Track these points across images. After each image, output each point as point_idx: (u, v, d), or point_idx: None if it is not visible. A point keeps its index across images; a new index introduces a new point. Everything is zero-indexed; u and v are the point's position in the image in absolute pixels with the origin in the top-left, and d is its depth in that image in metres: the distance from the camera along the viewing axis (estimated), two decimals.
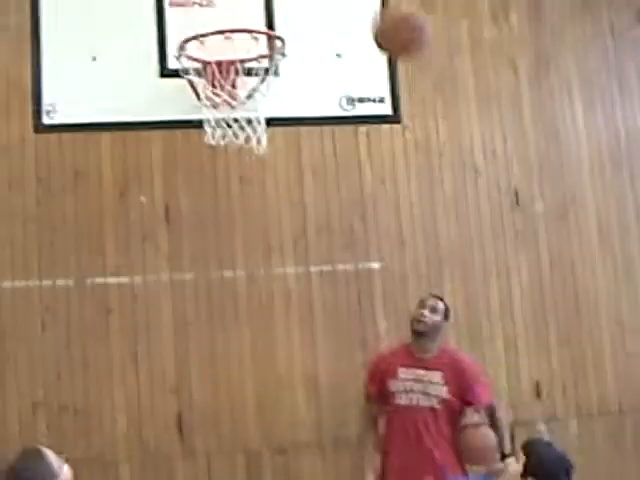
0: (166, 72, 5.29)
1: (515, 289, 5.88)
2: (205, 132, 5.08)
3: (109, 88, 5.28)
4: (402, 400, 4.43)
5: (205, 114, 5.08)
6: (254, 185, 5.65)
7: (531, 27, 6.19)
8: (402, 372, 4.48)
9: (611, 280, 6.08)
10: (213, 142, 5.08)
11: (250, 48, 5.05)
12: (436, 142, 5.92)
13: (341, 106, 5.50)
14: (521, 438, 5.52)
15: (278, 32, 5.29)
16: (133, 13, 5.37)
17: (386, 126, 5.77)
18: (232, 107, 5.08)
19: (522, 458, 3.27)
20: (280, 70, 5.27)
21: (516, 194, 5.98)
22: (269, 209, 5.65)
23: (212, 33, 4.98)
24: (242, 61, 5.07)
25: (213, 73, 5.03)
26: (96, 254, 5.42)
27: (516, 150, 6.05)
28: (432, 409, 4.43)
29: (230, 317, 5.51)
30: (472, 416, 4.68)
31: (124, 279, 5.44)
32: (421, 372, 4.45)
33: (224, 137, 5.08)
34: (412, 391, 4.44)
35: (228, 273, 5.53)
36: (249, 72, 5.16)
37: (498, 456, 4.36)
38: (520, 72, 6.13)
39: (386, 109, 5.58)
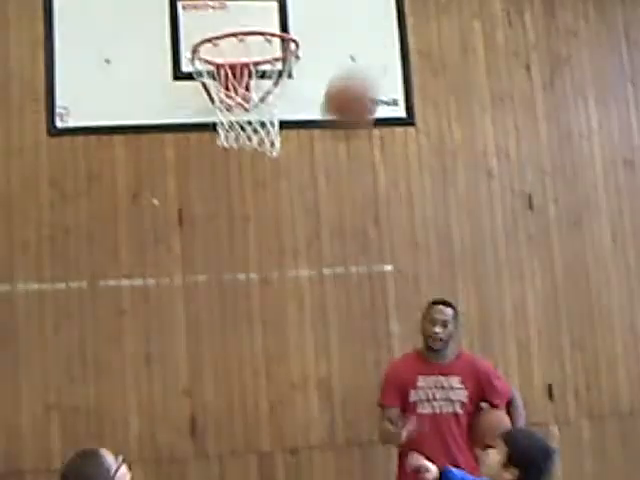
0: (179, 75, 5.26)
1: (528, 293, 5.81)
2: (218, 135, 5.03)
3: (122, 91, 5.26)
4: (425, 409, 4.36)
5: (218, 117, 5.04)
6: (267, 188, 5.59)
7: (545, 29, 6.11)
8: (421, 380, 4.40)
9: (624, 285, 6.00)
10: (226, 145, 5.04)
11: (264, 51, 5.02)
12: (450, 145, 5.85)
13: None
14: None
15: (292, 34, 5.25)
16: (146, 16, 5.34)
17: (400, 129, 5.71)
18: (245, 110, 5.05)
19: (503, 448, 3.15)
20: (294, 73, 5.25)
21: (529, 197, 5.90)
22: (282, 212, 5.59)
23: (225, 36, 4.95)
24: (255, 64, 5.03)
25: (226, 76, 5.00)
26: (109, 257, 5.36)
27: (529, 153, 5.97)
28: (455, 415, 4.38)
29: (243, 320, 5.45)
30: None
31: (137, 281, 5.38)
32: (441, 378, 4.40)
33: (237, 140, 5.04)
34: (434, 399, 4.37)
35: (241, 276, 5.47)
36: (263, 75, 5.13)
37: None
38: (534, 74, 6.05)
39: (400, 112, 5.55)
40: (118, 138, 5.42)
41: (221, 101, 5.03)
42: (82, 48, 5.26)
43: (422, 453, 4.02)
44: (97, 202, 5.40)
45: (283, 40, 5.17)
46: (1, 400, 5.16)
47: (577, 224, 5.96)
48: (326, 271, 5.56)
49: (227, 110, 5.03)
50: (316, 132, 5.57)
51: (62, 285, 5.30)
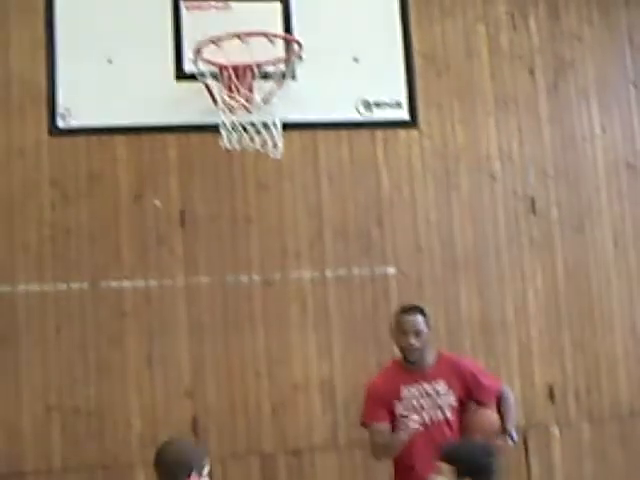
0: (182, 75, 5.21)
1: (530, 295, 5.76)
2: (221, 136, 4.97)
3: (125, 91, 5.20)
4: (414, 423, 3.97)
5: (221, 118, 4.97)
6: (270, 189, 5.52)
7: (549, 32, 6.06)
8: (405, 391, 4.12)
9: (625, 288, 5.96)
10: (229, 146, 4.98)
11: (267, 51, 4.96)
12: (453, 147, 5.79)
13: (358, 111, 5.39)
14: (533, 440, 5.50)
15: (295, 36, 5.19)
16: (149, 16, 5.29)
17: (403, 131, 5.66)
18: (248, 111, 4.99)
19: (449, 468, 3.17)
20: (297, 74, 5.19)
21: (532, 201, 5.85)
22: (285, 213, 5.52)
23: (228, 36, 4.87)
24: (258, 65, 4.98)
25: (229, 77, 4.94)
26: (111, 257, 5.30)
27: (533, 156, 5.91)
28: (446, 421, 4.13)
29: (245, 321, 5.39)
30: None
31: (139, 283, 5.31)
32: (425, 385, 4.13)
33: (240, 141, 4.97)
34: (422, 408, 4.10)
35: (244, 277, 5.41)
36: (266, 76, 5.08)
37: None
38: (537, 77, 6.00)
39: (403, 114, 5.51)
40: (120, 138, 5.35)
41: (224, 102, 4.97)
42: (84, 48, 5.20)
43: (417, 465, 4.01)
44: (99, 203, 5.33)
45: (286, 41, 5.12)
46: (2, 401, 5.09)
47: (579, 227, 5.92)
48: (328, 273, 5.50)
49: (230, 111, 4.98)
50: (319, 133, 5.52)
51: (63, 286, 5.23)
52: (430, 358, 4.19)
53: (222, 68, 4.93)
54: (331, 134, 5.54)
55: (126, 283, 5.29)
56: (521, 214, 5.82)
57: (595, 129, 6.04)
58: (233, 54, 4.88)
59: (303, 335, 5.43)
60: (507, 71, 5.94)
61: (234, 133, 4.95)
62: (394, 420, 4.06)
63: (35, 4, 5.27)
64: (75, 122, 5.17)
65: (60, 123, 5.17)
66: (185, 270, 5.34)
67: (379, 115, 5.42)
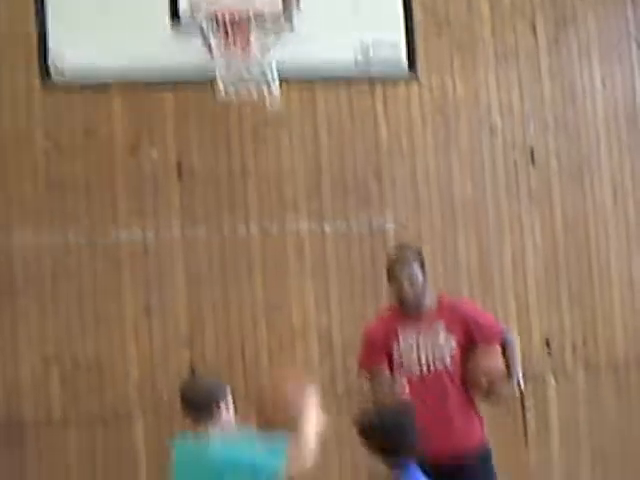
0: (179, 26, 5.09)
1: (528, 247, 5.72)
2: (218, 87, 4.87)
3: (120, 42, 5.10)
4: (412, 368, 3.83)
5: (218, 69, 4.87)
6: (268, 141, 5.44)
7: None
8: (403, 338, 3.89)
9: (624, 240, 5.92)
10: (226, 97, 4.87)
11: (264, 2, 4.85)
12: (452, 101, 5.69)
13: (357, 62, 5.28)
14: (530, 391, 5.49)
15: None
16: None
17: (403, 84, 5.55)
18: (245, 62, 4.85)
19: (368, 443, 3.03)
20: (295, 24, 5.05)
21: (532, 153, 5.77)
22: (283, 165, 5.45)
23: None
24: (256, 15, 4.86)
25: (226, 27, 4.83)
26: (107, 209, 5.24)
27: (533, 109, 5.82)
28: (446, 369, 3.84)
29: (243, 272, 5.35)
30: None
31: (136, 234, 5.26)
32: (424, 331, 3.86)
33: (237, 92, 4.87)
34: (420, 355, 3.85)
35: (241, 229, 5.36)
36: (263, 26, 4.94)
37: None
38: (539, 32, 5.89)
39: (403, 66, 5.42)
40: (115, 90, 5.24)
41: (221, 53, 4.86)
42: None
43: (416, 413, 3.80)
44: (94, 154, 5.24)
45: None
46: (0, 353, 5.06)
47: (578, 180, 5.86)
48: (327, 225, 5.44)
49: (227, 62, 4.86)
50: (318, 85, 5.43)
51: (60, 238, 5.17)
52: (429, 302, 3.95)
53: (219, 18, 4.82)
54: (330, 86, 5.44)
55: (123, 235, 5.23)
56: (520, 166, 5.75)
57: (596, 83, 5.94)
58: (230, 4, 4.79)
59: (301, 286, 5.39)
60: (508, 25, 5.82)
61: (231, 84, 4.86)
62: (392, 366, 3.89)
63: None
64: (69, 73, 5.08)
65: (53, 74, 5.08)
66: (182, 221, 5.29)
67: (378, 67, 5.32)
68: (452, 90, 5.68)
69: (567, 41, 5.93)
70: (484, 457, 3.79)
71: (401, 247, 4.09)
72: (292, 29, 5.00)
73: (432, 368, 3.84)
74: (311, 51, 5.12)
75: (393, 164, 5.56)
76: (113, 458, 5.14)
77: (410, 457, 2.92)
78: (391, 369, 3.89)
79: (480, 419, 3.93)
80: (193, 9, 4.84)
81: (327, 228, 5.43)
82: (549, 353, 5.67)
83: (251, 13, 4.83)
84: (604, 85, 5.95)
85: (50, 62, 5.05)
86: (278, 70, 4.92)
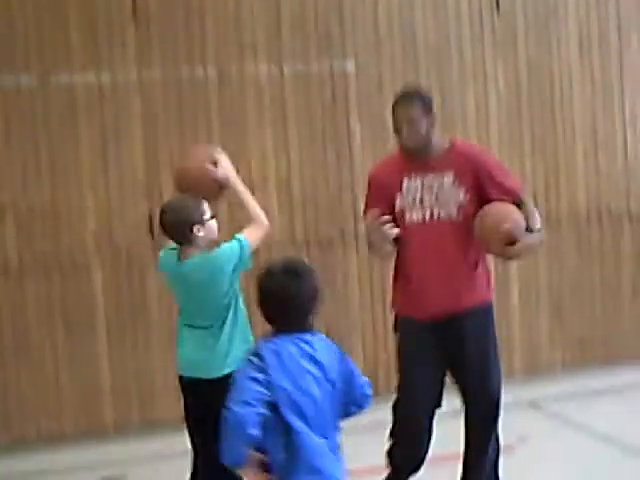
0: None
1: (491, 96, 5.72)
2: None
3: None
4: (414, 217, 3.49)
5: None
6: None
7: None
8: (407, 182, 3.52)
9: (588, 93, 5.93)
10: None
11: None
12: None
13: None
14: None
15: None
16: None
17: None
18: None
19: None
20: None
21: (497, 1, 5.70)
22: (242, 6, 5.33)
23: None
24: None
25: None
26: (60, 50, 5.14)
27: None
28: (450, 219, 3.46)
29: (201, 117, 5.31)
30: None
31: (91, 77, 5.18)
32: (429, 177, 3.49)
33: None
34: (422, 203, 3.49)
35: (199, 71, 5.29)
36: None
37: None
38: None
39: None
40: None
41: None
42: None
43: (414, 273, 3.53)
44: None
45: None
46: None
47: (544, 31, 5.82)
48: (286, 67, 5.38)
49: None
50: None
51: (11, 80, 5.07)
52: (437, 147, 3.55)
53: None
54: None
55: (77, 78, 5.15)
56: (485, 14, 5.69)
57: None
58: None
59: (260, 132, 5.36)
60: None
61: None
62: (394, 215, 3.50)
63: None
64: None
65: None
66: (138, 64, 5.21)
67: None
68: None
69: None
70: (483, 317, 3.52)
71: (404, 90, 3.64)
72: None
73: (435, 218, 3.48)
74: None
75: (355, 6, 5.48)
76: (72, 308, 5.18)
77: (293, 327, 2.58)
78: (393, 217, 3.50)
79: (486, 275, 3.58)
80: None
81: (287, 71, 5.37)
82: None
83: None
84: None
85: None
86: None
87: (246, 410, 2.42)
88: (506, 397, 3.54)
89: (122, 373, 5.22)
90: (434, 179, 3.48)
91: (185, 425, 3.41)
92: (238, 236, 3.34)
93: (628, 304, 6.05)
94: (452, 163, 3.49)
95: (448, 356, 3.47)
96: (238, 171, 3.56)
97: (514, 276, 5.76)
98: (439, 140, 3.56)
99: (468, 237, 3.44)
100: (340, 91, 5.44)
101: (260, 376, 2.47)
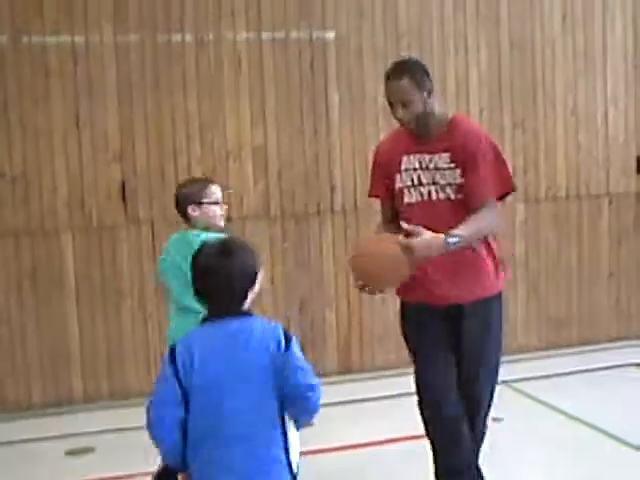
0: None
1: (472, 69, 5.72)
2: None
3: None
4: (412, 197, 3.38)
5: None
6: None
7: None
8: (405, 162, 3.38)
9: (570, 69, 5.94)
10: None
11: None
12: None
13: None
14: None
15: None
16: None
17: None
18: None
19: None
20: None
21: None
22: None
23: None
24: None
25: None
26: (33, 10, 5.06)
27: None
28: (449, 200, 3.32)
29: (177, 83, 5.28)
30: None
31: (64, 38, 5.12)
32: (426, 157, 3.35)
33: None
34: (421, 184, 3.37)
35: (176, 37, 5.25)
36: None
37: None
38: None
39: None
40: None
41: None
42: None
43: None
44: None
45: None
46: None
47: (528, 3, 5.81)
48: (265, 35, 5.34)
49: None
50: None
51: None
52: (438, 120, 3.36)
53: None
54: None
55: (50, 39, 5.10)
56: None
57: None
58: None
59: (237, 100, 5.33)
60: None
61: None
62: (394, 194, 3.42)
63: None
64: None
65: None
66: (114, 26, 5.16)
67: None
68: None
69: None
70: (488, 307, 3.34)
71: (393, 66, 3.38)
72: None
73: (434, 198, 3.34)
74: None
75: None
76: (41, 274, 5.15)
77: (223, 309, 2.42)
78: (392, 197, 3.46)
79: (494, 262, 3.39)
80: None
81: (265, 39, 5.33)
82: None
83: None
84: None
85: None
86: None
87: (159, 413, 2.32)
88: None
89: (91, 342, 5.21)
90: (431, 159, 3.35)
91: None
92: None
93: (605, 284, 6.10)
94: (450, 142, 3.32)
95: (450, 340, 3.32)
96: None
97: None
98: (441, 111, 3.37)
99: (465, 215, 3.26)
100: (319, 60, 5.41)
101: (169, 372, 2.33)
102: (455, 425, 3.30)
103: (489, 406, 3.41)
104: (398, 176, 3.41)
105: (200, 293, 2.45)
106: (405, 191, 3.39)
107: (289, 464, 2.33)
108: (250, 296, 2.45)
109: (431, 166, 3.34)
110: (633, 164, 6.05)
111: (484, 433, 3.45)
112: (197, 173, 5.20)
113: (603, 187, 6.01)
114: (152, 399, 2.34)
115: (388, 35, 5.51)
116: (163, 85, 5.22)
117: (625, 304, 6.14)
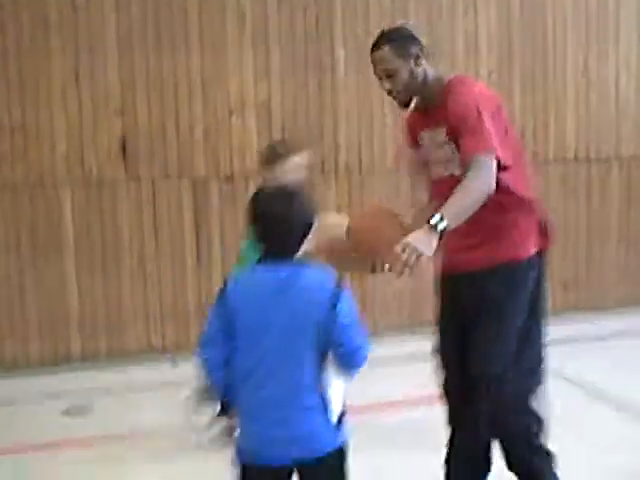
0: None
1: (482, 30, 5.65)
2: None
3: None
4: (433, 175, 3.17)
5: None
6: None
7: None
8: (420, 140, 3.20)
9: (582, 33, 5.87)
10: None
11: None
12: None
13: None
14: None
15: None
16: None
17: None
18: None
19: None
20: None
21: None
22: None
23: None
24: None
25: None
26: None
27: None
28: (452, 176, 3.04)
29: (180, 39, 5.22)
30: None
31: None
32: (430, 133, 3.14)
33: None
34: (434, 160, 3.16)
35: None
36: None
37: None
38: None
39: None
40: None
41: None
42: None
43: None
44: None
45: None
46: None
47: None
48: None
49: None
50: None
51: None
52: (432, 92, 3.08)
53: None
54: None
55: None
56: None
57: None
58: None
59: (240, 55, 5.28)
60: None
61: None
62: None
63: None
64: None
65: None
66: None
67: None
68: None
69: None
70: (503, 276, 3.07)
71: (376, 37, 3.10)
72: None
73: (447, 174, 3.11)
74: None
75: None
76: (40, 231, 5.13)
77: (279, 252, 2.43)
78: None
79: (518, 231, 3.06)
80: None
81: None
82: None
83: None
84: None
85: None
86: None
87: (204, 353, 2.40)
88: None
89: (90, 300, 5.19)
90: (433, 135, 3.13)
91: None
92: None
93: (614, 248, 6.07)
94: (445, 114, 3.03)
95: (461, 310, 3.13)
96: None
97: None
98: (436, 77, 3.05)
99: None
100: (325, 16, 5.35)
101: (217, 312, 2.39)
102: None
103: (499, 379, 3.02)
104: (417, 154, 3.24)
105: (259, 233, 2.46)
106: (429, 168, 3.21)
107: (327, 411, 2.34)
108: (305, 244, 2.45)
109: (437, 141, 3.12)
110: None
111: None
112: (198, 131, 5.19)
113: (613, 150, 5.96)
114: (201, 337, 2.41)
115: None
116: (165, 39, 5.16)
117: (634, 268, 6.11)
